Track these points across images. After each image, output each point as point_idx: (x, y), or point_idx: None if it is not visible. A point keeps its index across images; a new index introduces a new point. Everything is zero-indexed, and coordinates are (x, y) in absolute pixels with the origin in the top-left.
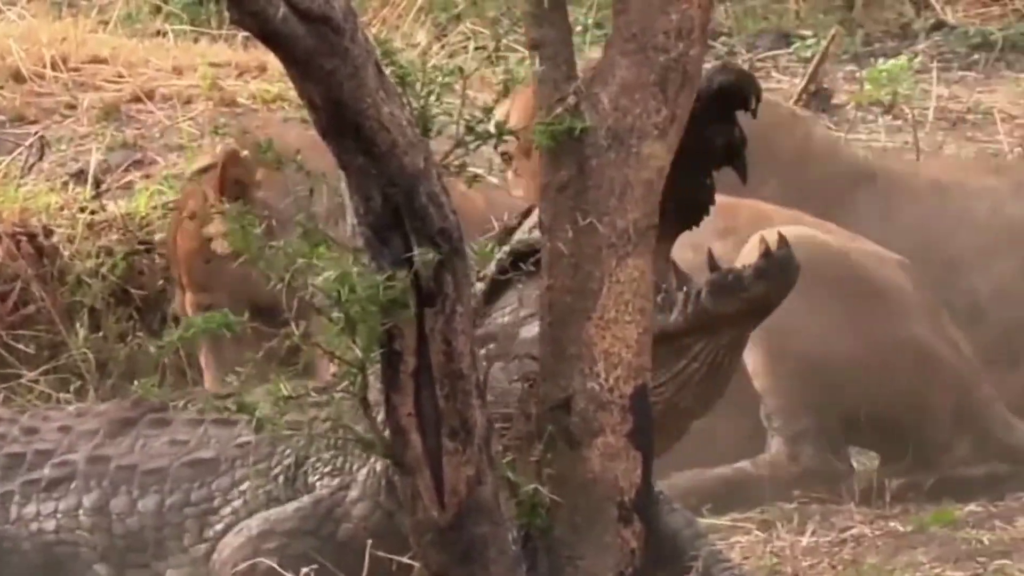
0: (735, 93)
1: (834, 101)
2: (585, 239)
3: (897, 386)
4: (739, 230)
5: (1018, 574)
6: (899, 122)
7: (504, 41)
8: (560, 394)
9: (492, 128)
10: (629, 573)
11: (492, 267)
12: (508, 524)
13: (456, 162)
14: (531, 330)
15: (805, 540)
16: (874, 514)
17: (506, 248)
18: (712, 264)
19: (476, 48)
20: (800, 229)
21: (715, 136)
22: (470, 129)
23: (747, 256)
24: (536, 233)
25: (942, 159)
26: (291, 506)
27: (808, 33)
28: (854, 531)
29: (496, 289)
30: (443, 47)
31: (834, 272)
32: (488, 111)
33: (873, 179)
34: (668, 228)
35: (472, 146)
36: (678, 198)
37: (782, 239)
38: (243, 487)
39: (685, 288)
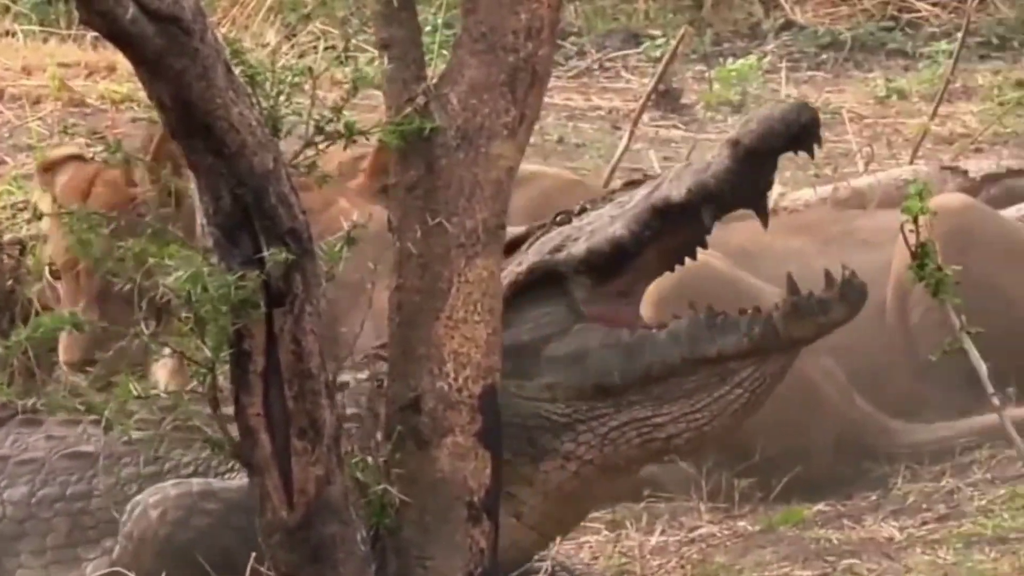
0: (813, 132)
1: (683, 101)
2: (434, 239)
3: (785, 421)
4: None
5: (867, 573)
6: None
7: (353, 41)
8: (409, 394)
9: (342, 128)
10: (479, 573)
11: (505, 286)
12: (357, 524)
13: (306, 162)
14: (557, 349)
15: (654, 540)
16: (723, 514)
17: (522, 268)
18: (792, 287)
19: (326, 48)
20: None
21: (761, 177)
22: (320, 129)
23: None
24: (559, 255)
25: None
26: (234, 482)
27: (657, 33)
28: (703, 531)
29: (510, 307)
30: (293, 47)
31: (727, 304)
32: (338, 111)
33: None
34: (651, 272)
35: (322, 146)
36: (679, 240)
37: (848, 269)
38: (132, 489)
39: (749, 310)
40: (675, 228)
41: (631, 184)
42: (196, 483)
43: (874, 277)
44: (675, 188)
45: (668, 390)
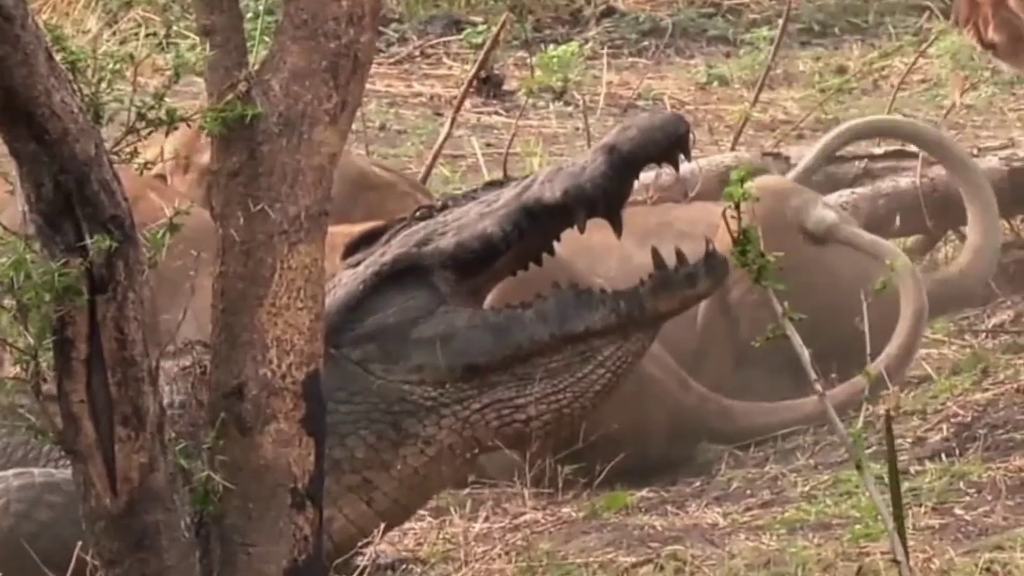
0: (685, 145)
1: (505, 87)
2: (257, 226)
3: (616, 409)
4: None
5: (690, 559)
6: (570, 108)
7: (175, 27)
8: (232, 381)
9: (163, 115)
10: (303, 560)
11: (369, 275)
12: (181, 511)
13: (127, 149)
14: (424, 331)
15: (478, 526)
16: (547, 500)
17: (386, 259)
18: (658, 261)
19: (147, 34)
20: None
21: (628, 185)
22: (141, 116)
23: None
24: (425, 248)
25: None
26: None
27: (479, 19)
28: (527, 517)
29: (374, 294)
30: (114, 33)
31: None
32: (159, 97)
33: None
34: (504, 271)
35: (144, 133)
36: (538, 242)
37: (711, 244)
38: None
39: (603, 288)
40: (540, 229)
41: (493, 184)
42: (39, 473)
43: None
44: (548, 190)
45: (532, 370)
